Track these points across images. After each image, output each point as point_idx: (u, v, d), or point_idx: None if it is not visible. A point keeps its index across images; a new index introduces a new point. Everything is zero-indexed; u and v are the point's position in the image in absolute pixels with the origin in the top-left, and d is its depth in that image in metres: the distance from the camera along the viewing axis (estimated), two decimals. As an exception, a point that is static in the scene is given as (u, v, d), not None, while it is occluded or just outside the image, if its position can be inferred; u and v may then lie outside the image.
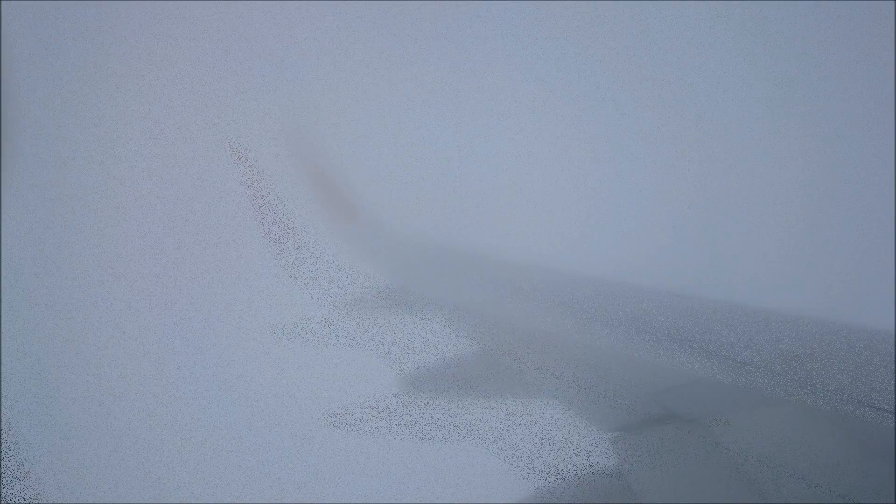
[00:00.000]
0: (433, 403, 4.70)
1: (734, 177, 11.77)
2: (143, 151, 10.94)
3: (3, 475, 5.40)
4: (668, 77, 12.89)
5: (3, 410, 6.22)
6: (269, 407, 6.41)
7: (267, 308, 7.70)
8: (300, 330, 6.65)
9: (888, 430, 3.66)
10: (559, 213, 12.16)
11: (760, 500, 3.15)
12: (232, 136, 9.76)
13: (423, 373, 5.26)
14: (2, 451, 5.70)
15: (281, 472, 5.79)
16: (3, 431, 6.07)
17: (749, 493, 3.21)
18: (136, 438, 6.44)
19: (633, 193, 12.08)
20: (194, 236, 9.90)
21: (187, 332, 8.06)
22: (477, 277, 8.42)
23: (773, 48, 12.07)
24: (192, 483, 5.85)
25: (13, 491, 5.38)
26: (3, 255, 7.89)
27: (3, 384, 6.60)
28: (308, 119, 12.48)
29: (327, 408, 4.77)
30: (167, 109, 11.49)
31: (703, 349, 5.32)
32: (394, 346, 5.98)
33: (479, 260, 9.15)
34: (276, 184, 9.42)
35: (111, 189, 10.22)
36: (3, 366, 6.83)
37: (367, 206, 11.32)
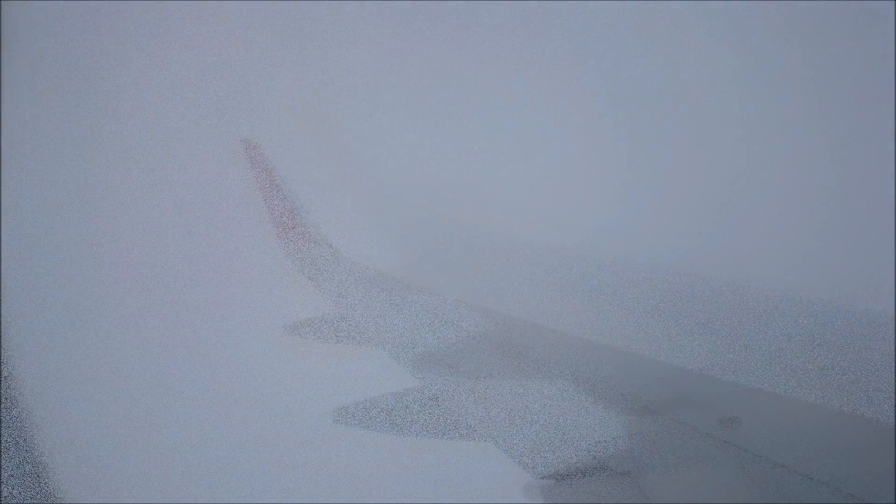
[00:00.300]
0: (439, 398, 4.70)
1: (741, 166, 11.79)
2: (150, 147, 10.95)
3: (2, 475, 5.38)
4: (673, 72, 12.92)
5: (2, 408, 6.21)
6: (276, 402, 6.42)
7: (275, 303, 7.72)
8: (308, 325, 6.66)
9: (888, 423, 3.67)
10: (569, 200, 12.20)
11: (762, 496, 3.16)
12: (245, 133, 9.79)
13: (429, 367, 5.26)
14: (1, 450, 5.68)
15: (286, 468, 5.80)
16: (3, 431, 6.05)
17: (751, 487, 3.22)
18: (142, 434, 6.44)
19: (647, 184, 12.10)
20: (203, 231, 9.92)
21: (194, 326, 8.07)
22: (485, 267, 8.42)
23: (772, 47, 12.09)
24: (198, 477, 5.86)
25: (13, 491, 5.36)
26: (3, 247, 7.91)
27: (3, 383, 6.58)
28: (325, 114, 12.50)
29: (334, 403, 4.78)
30: (175, 104, 11.50)
31: (714, 334, 5.34)
32: (400, 341, 6.00)
33: (487, 248, 9.16)
34: (288, 180, 9.45)
35: (118, 185, 10.22)
36: (3, 365, 6.82)
37: (383, 198, 11.33)
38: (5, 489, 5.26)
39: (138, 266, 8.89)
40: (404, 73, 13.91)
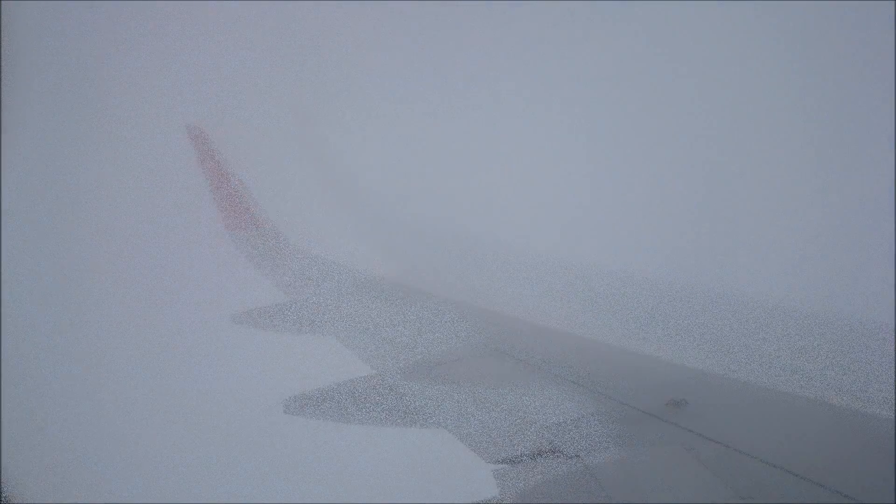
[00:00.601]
0: (395, 387, 4.69)
1: (735, 174, 11.78)
2: (111, 141, 10.90)
3: (2, 475, 5.38)
4: (669, 76, 12.90)
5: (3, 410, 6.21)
6: (224, 393, 6.42)
7: (222, 292, 7.62)
8: (256, 314, 6.58)
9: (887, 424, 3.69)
10: (561, 207, 12.20)
11: (707, 475, 3.23)
12: (190, 120, 9.60)
13: (384, 355, 5.26)
14: (1, 450, 5.68)
15: (236, 459, 5.80)
16: (2, 433, 6.06)
17: (696, 466, 3.30)
18: (93, 428, 6.45)
19: (636, 190, 12.09)
20: (153, 224, 9.87)
21: (138, 318, 8.04)
22: (469, 266, 8.39)
23: (773, 48, 12.07)
24: (147, 469, 5.87)
25: (13, 491, 5.35)
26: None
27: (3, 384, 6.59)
28: (313, 114, 12.48)
29: (285, 393, 4.76)
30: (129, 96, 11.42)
31: (703, 340, 5.35)
32: (354, 330, 5.96)
33: (472, 250, 9.12)
34: (238, 169, 9.30)
35: (70, 180, 10.17)
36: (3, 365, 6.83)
37: (372, 197, 11.33)
38: (5, 489, 5.26)
39: (82, 260, 8.86)
40: (402, 73, 13.89)
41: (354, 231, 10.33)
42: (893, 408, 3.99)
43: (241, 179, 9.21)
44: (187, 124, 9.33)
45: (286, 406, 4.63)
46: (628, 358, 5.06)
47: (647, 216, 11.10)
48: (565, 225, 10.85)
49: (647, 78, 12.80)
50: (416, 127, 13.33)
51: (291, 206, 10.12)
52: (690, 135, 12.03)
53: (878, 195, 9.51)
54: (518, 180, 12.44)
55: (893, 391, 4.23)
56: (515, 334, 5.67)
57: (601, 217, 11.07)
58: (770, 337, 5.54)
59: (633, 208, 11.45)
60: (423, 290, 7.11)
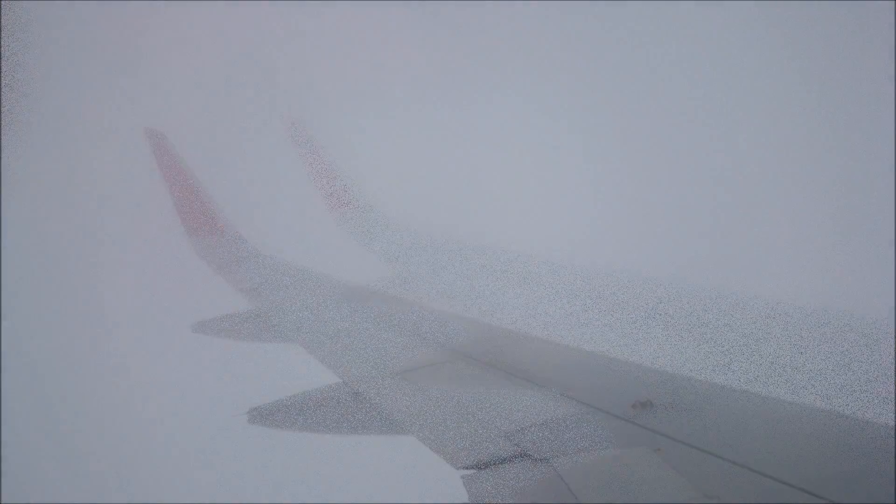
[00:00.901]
0: (361, 394, 4.65)
1: (734, 173, 11.77)
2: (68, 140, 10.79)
3: (2, 475, 5.39)
4: (667, 76, 12.89)
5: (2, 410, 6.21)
6: (187, 403, 6.35)
7: (183, 300, 7.51)
8: (219, 322, 6.47)
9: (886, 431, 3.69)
10: (554, 209, 12.17)
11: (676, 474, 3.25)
12: (151, 123, 9.48)
13: (351, 362, 5.20)
14: (1, 450, 5.69)
15: (200, 471, 5.76)
16: (2, 431, 6.07)
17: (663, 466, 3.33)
18: (54, 437, 6.41)
19: (634, 187, 12.06)
20: (110, 228, 9.76)
21: (99, 326, 7.96)
22: (436, 270, 8.31)
23: (773, 48, 12.07)
24: (109, 480, 5.84)
25: (13, 491, 5.36)
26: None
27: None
28: (304, 114, 12.43)
29: (249, 402, 4.70)
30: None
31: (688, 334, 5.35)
32: (319, 337, 5.87)
33: (445, 253, 9.02)
34: (199, 173, 9.18)
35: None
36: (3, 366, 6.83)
37: (360, 198, 11.27)
38: (5, 489, 5.27)
39: (41, 266, 8.76)
40: (394, 75, 13.86)
41: (319, 236, 10.26)
42: (886, 410, 3.99)
43: (200, 183, 9.07)
44: (145, 127, 9.19)
45: (250, 416, 4.57)
46: (596, 361, 5.03)
47: (635, 214, 11.07)
48: (540, 227, 10.81)
49: (644, 79, 12.77)
50: (400, 127, 13.27)
51: (253, 211, 10.04)
52: (678, 134, 12.00)
53: (878, 195, 9.51)
54: (489, 181, 12.37)
55: (892, 392, 4.23)
56: (483, 339, 5.63)
57: (581, 217, 11.02)
58: (750, 337, 5.51)
59: (623, 206, 11.39)
60: (388, 295, 7.07)
